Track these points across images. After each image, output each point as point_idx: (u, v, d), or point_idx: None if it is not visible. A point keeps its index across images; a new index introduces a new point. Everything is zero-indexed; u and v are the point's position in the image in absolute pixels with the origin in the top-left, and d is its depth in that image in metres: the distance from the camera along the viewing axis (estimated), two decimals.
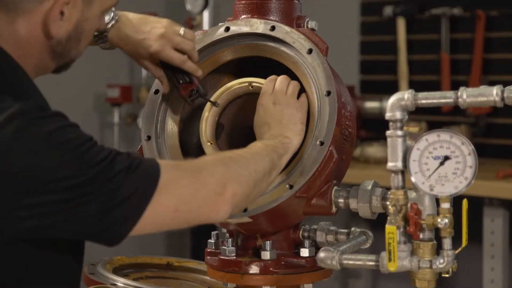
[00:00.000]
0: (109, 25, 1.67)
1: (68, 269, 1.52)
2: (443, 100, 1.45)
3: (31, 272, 1.43)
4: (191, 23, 4.27)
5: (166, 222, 1.42)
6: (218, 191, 1.43)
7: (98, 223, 1.35)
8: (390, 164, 1.46)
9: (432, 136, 1.43)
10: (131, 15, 1.73)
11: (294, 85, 1.64)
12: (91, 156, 1.36)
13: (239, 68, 1.75)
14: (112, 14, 1.68)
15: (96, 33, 1.67)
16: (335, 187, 1.58)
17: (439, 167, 1.42)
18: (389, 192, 1.49)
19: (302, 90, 1.65)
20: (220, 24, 1.72)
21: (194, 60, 1.69)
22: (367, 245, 1.64)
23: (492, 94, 1.41)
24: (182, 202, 1.41)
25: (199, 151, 1.69)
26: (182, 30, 1.68)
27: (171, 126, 1.72)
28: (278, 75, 1.67)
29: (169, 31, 1.68)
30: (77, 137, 1.38)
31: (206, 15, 4.27)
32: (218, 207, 1.43)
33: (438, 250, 1.46)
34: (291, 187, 1.56)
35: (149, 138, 1.70)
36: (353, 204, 1.57)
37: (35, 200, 1.32)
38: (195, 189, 1.41)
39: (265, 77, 1.68)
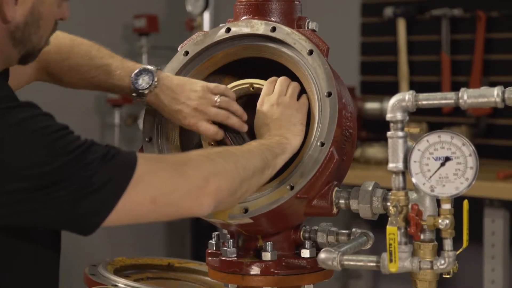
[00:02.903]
0: (147, 90, 1.66)
1: (45, 258, 1.52)
2: (444, 101, 1.45)
3: (5, 262, 1.43)
4: (192, 24, 4.27)
5: (143, 213, 1.41)
6: (201, 184, 1.42)
7: (70, 211, 1.34)
8: (391, 165, 1.46)
9: (433, 137, 1.43)
10: (170, 80, 1.68)
11: (294, 86, 1.64)
12: (64, 144, 1.35)
13: (240, 69, 1.75)
14: (152, 77, 1.66)
15: (134, 94, 1.67)
16: (336, 188, 1.58)
17: (440, 168, 1.42)
18: (390, 193, 1.49)
19: (302, 91, 1.65)
20: (220, 25, 1.72)
21: (238, 114, 1.66)
22: (368, 246, 1.64)
23: (492, 95, 1.41)
24: (161, 194, 1.40)
25: None
26: (218, 98, 1.65)
27: (172, 127, 1.72)
28: (279, 76, 1.67)
29: (203, 102, 1.65)
30: (50, 125, 1.37)
31: (206, 16, 4.27)
32: (200, 201, 1.42)
33: (439, 251, 1.46)
34: (292, 188, 1.56)
35: (150, 139, 1.70)
36: (354, 205, 1.57)
37: (7, 187, 1.31)
38: (176, 182, 1.41)
39: (266, 78, 1.68)
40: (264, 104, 1.64)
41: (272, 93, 1.64)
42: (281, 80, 1.65)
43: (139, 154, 1.40)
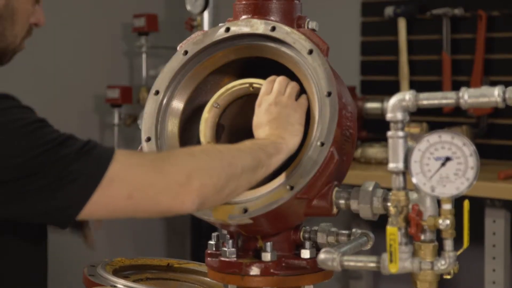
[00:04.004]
0: None
1: (30, 249, 1.52)
2: (444, 101, 1.45)
3: None
4: (191, 23, 4.27)
5: (119, 208, 1.41)
6: (181, 181, 1.41)
7: (44, 204, 1.34)
8: (391, 165, 1.45)
9: (433, 137, 1.42)
10: None
11: (292, 86, 1.64)
12: (40, 136, 1.35)
13: (239, 68, 1.75)
14: None
15: None
16: (336, 188, 1.58)
17: (441, 168, 1.42)
18: (390, 193, 1.49)
19: (302, 91, 1.64)
20: (220, 24, 1.72)
21: None
22: (368, 247, 1.63)
23: (493, 94, 1.41)
24: (137, 189, 1.39)
25: None
26: None
27: (171, 127, 1.71)
28: (279, 75, 1.67)
29: None
30: (26, 117, 1.37)
31: (206, 15, 4.27)
32: (182, 198, 1.41)
33: (439, 251, 1.46)
34: (291, 188, 1.55)
35: (149, 139, 1.69)
36: (354, 205, 1.56)
37: None
38: (153, 177, 1.40)
39: (265, 78, 1.68)
40: (262, 103, 1.63)
41: (271, 92, 1.63)
42: (280, 80, 1.64)
43: (119, 150, 1.40)
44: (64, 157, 1.34)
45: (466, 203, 1.44)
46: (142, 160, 1.43)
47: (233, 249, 1.65)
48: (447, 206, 1.43)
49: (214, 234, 1.71)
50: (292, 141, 1.58)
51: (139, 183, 1.40)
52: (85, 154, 1.36)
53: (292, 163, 1.58)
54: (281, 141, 1.57)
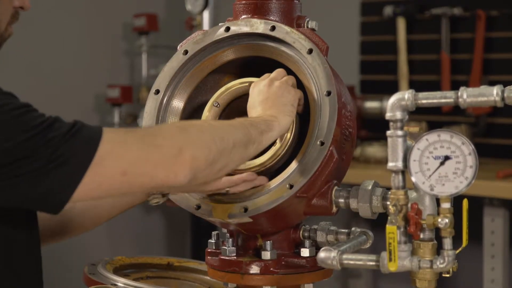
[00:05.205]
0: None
1: (21, 240, 1.51)
2: (443, 100, 1.45)
3: None
4: (191, 23, 4.27)
5: (114, 186, 1.40)
6: (174, 153, 1.40)
7: (34, 188, 1.34)
8: (390, 164, 1.46)
9: (432, 136, 1.43)
10: None
11: (289, 76, 1.63)
12: (26, 121, 1.34)
13: (239, 68, 1.75)
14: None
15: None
16: (336, 187, 1.58)
17: (440, 167, 1.42)
18: (389, 192, 1.49)
19: (301, 90, 1.64)
20: (220, 24, 1.72)
21: None
22: (368, 245, 1.63)
23: (492, 94, 1.41)
24: (131, 165, 1.39)
25: None
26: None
27: None
28: None
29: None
30: (10, 102, 1.37)
31: (206, 15, 4.27)
32: (175, 170, 1.41)
33: (438, 250, 1.46)
34: (291, 187, 1.56)
35: None
36: (353, 204, 1.57)
37: None
38: (146, 152, 1.40)
39: None
40: (257, 86, 1.63)
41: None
42: (278, 70, 1.64)
43: (106, 128, 1.39)
44: (51, 140, 1.33)
45: (465, 202, 1.44)
46: (132, 136, 1.42)
47: (233, 248, 1.66)
48: (446, 205, 1.43)
49: (214, 233, 1.72)
50: (284, 121, 1.57)
51: (133, 158, 1.39)
52: (73, 136, 1.35)
53: (292, 162, 1.59)
54: (273, 119, 1.56)
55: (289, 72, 1.66)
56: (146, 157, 1.39)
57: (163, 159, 1.40)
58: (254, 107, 1.61)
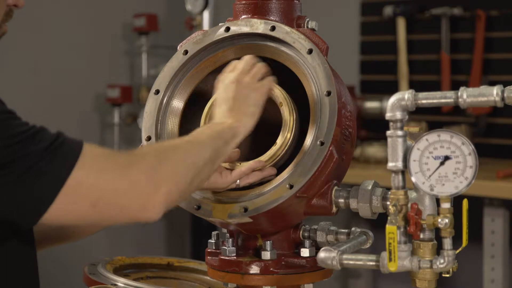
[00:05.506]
0: None
1: (18, 252, 1.50)
2: (443, 100, 1.45)
3: None
4: (191, 23, 4.27)
5: (82, 214, 1.37)
6: (149, 190, 1.38)
7: (8, 199, 1.31)
8: (390, 164, 1.46)
9: (432, 136, 1.43)
10: None
11: (259, 67, 1.62)
12: (9, 127, 1.32)
13: None
14: None
15: None
16: (336, 187, 1.58)
17: (440, 167, 1.42)
18: (389, 192, 1.49)
19: (297, 87, 1.64)
20: (220, 24, 1.72)
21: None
22: (368, 245, 1.63)
23: (492, 94, 1.41)
24: (102, 197, 1.35)
25: None
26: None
27: (172, 126, 1.72)
28: (279, 75, 1.67)
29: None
30: None
31: (206, 15, 4.27)
32: (149, 207, 1.38)
33: (438, 250, 1.46)
34: (291, 187, 1.56)
35: (149, 138, 1.70)
36: (353, 204, 1.57)
37: None
38: (120, 185, 1.36)
39: None
40: (223, 79, 1.62)
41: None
42: (247, 58, 1.63)
43: (87, 148, 1.36)
44: (30, 153, 1.30)
45: (465, 202, 1.44)
46: (109, 163, 1.38)
47: (233, 248, 1.66)
48: (446, 205, 1.43)
49: (214, 233, 1.72)
50: (248, 124, 1.56)
51: (104, 191, 1.35)
52: (50, 154, 1.32)
53: (292, 162, 1.59)
54: (238, 124, 1.55)
55: (289, 71, 1.66)
56: (118, 191, 1.36)
57: (135, 195, 1.38)
58: (220, 105, 1.59)
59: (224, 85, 1.61)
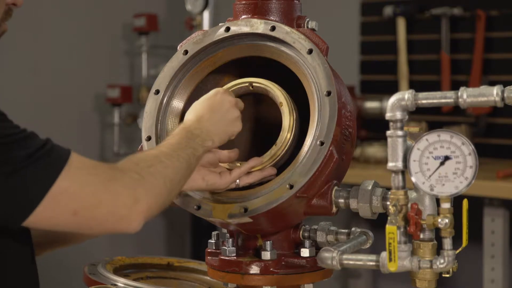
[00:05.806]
0: None
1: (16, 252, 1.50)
2: (443, 100, 1.45)
3: None
4: (191, 23, 4.27)
5: (63, 222, 1.39)
6: (129, 204, 1.40)
7: None
8: (390, 164, 1.46)
9: (432, 136, 1.43)
10: None
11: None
12: None
13: (239, 68, 1.75)
14: None
15: None
16: (336, 187, 1.58)
17: (440, 167, 1.42)
18: (389, 192, 1.49)
19: (301, 90, 1.64)
20: (220, 24, 1.72)
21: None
22: (368, 245, 1.64)
23: (492, 94, 1.41)
24: (83, 207, 1.37)
25: None
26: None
27: (172, 126, 1.72)
28: (279, 75, 1.67)
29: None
30: None
31: (206, 15, 4.27)
32: (127, 220, 1.41)
33: (438, 250, 1.46)
34: (291, 187, 1.56)
35: (149, 138, 1.70)
36: (353, 204, 1.57)
37: None
38: (101, 197, 1.39)
39: (265, 77, 1.68)
40: (211, 91, 1.65)
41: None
42: None
43: (72, 158, 1.38)
44: (14, 158, 1.32)
45: (465, 202, 1.44)
46: (93, 175, 1.39)
47: (233, 248, 1.66)
48: (446, 205, 1.43)
49: (214, 233, 1.72)
50: (219, 142, 1.60)
51: (86, 202, 1.37)
52: (37, 160, 1.34)
53: (292, 162, 1.59)
54: (210, 143, 1.57)
55: (289, 71, 1.66)
56: (99, 202, 1.38)
57: (116, 208, 1.40)
58: (201, 111, 1.61)
59: (210, 95, 1.63)
